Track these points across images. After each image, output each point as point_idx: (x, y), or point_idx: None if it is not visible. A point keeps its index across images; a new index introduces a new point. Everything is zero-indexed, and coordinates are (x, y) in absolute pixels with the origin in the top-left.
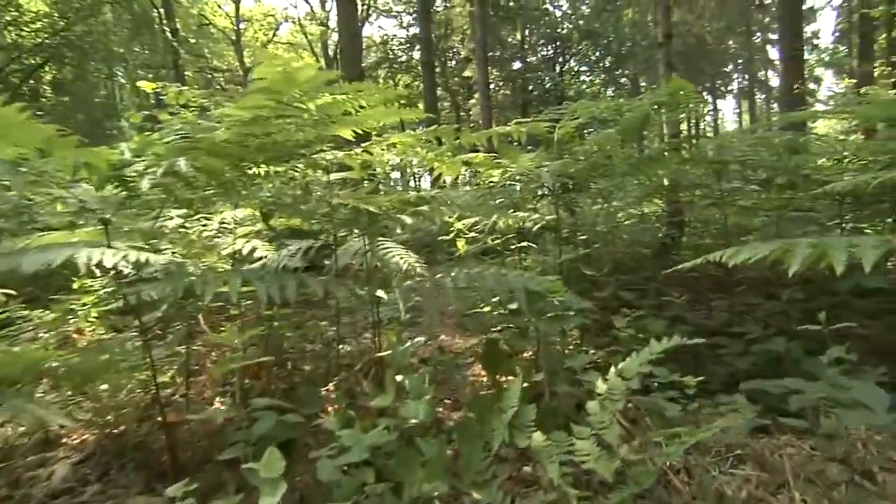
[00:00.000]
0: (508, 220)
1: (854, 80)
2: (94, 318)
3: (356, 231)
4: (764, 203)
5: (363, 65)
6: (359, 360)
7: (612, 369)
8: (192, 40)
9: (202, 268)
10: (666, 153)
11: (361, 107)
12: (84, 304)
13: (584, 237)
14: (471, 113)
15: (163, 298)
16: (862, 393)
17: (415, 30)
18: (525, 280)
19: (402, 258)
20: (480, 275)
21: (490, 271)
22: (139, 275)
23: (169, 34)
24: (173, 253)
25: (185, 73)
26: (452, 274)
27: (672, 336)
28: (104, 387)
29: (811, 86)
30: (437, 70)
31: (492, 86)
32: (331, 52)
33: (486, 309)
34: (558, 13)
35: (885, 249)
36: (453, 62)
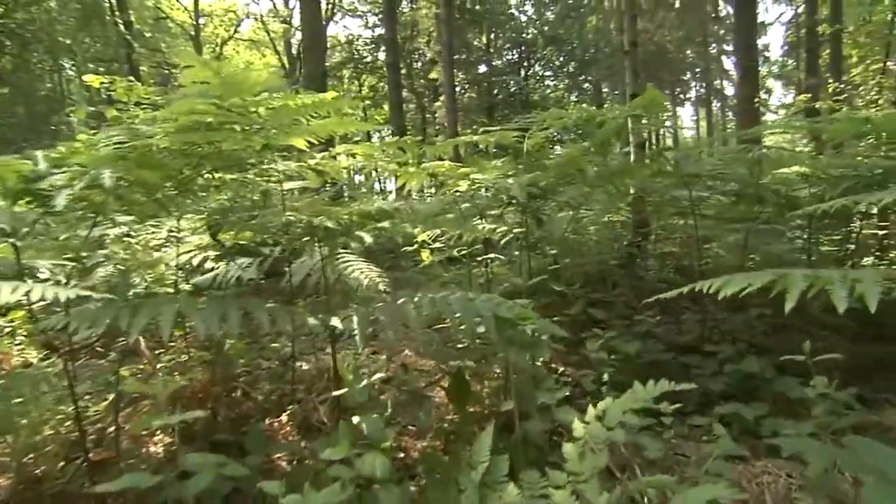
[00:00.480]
0: (475, 233)
1: (809, 94)
2: (24, 336)
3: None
4: (727, 211)
5: (327, 64)
6: (318, 379)
7: (591, 411)
8: (148, 34)
9: (144, 283)
10: (637, 164)
11: (315, 115)
12: (12, 321)
13: (553, 251)
14: (436, 115)
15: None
16: (873, 455)
17: (380, 30)
18: (494, 305)
19: (363, 272)
20: (445, 300)
21: (456, 295)
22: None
23: (122, 26)
24: (115, 265)
25: (140, 67)
26: (416, 299)
27: (645, 354)
28: (24, 422)
29: (763, 95)
30: (403, 71)
31: (457, 88)
32: (294, 51)
33: (458, 328)
34: (523, 18)
35: (888, 286)
36: (419, 64)
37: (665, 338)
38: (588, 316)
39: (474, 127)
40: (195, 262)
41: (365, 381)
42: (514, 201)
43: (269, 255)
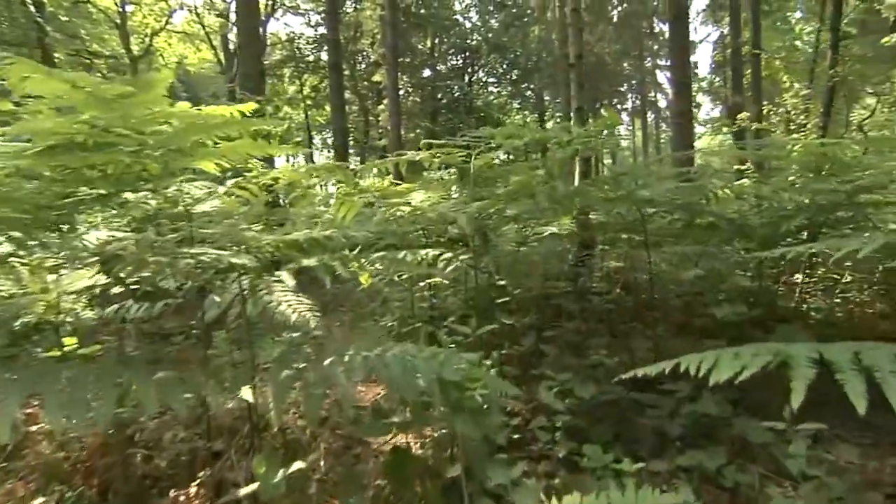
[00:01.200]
0: (417, 258)
1: (745, 115)
2: None
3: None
4: (680, 235)
5: (267, 62)
6: (241, 424)
7: None
8: (64, 18)
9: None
10: (589, 187)
11: (225, 137)
12: None
13: (502, 281)
14: (380, 118)
15: None
16: None
17: (323, 30)
18: (438, 365)
19: (290, 306)
20: (382, 359)
21: (394, 352)
22: None
23: (32, 7)
24: None
25: (55, 54)
26: (346, 358)
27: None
28: None
29: (693, 110)
30: (346, 73)
31: (402, 92)
32: (231, 47)
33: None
34: (468, 24)
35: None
36: (363, 66)
37: (617, 370)
38: (539, 350)
39: (418, 131)
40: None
41: (281, 474)
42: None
43: (180, 292)
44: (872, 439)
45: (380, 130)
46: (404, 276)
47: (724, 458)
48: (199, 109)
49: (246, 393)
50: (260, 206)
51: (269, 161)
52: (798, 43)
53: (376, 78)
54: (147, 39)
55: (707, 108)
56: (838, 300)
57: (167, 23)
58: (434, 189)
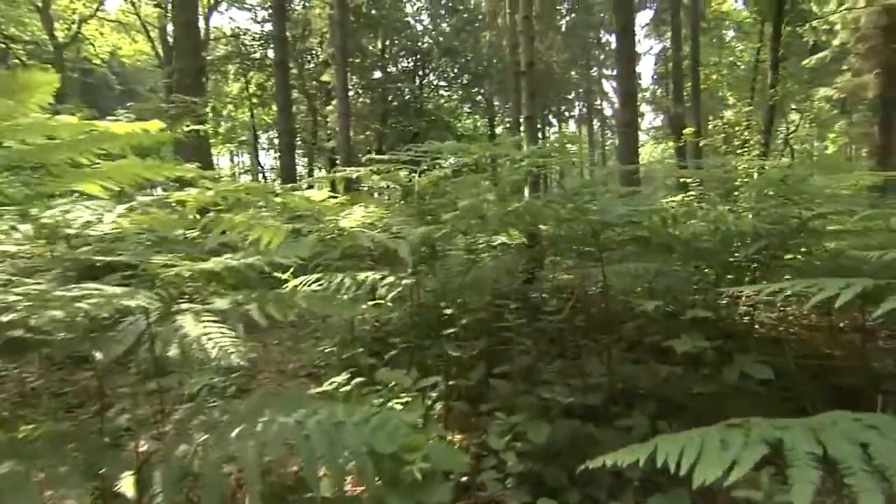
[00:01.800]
0: (356, 279)
1: (692, 129)
2: None
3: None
4: (622, 242)
5: (210, 57)
6: None
7: None
8: None
9: None
10: (542, 207)
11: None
12: None
13: (448, 310)
14: (328, 119)
15: None
16: None
17: (270, 26)
18: (370, 433)
19: (211, 338)
20: (302, 427)
21: (318, 417)
22: None
23: None
24: None
25: None
26: (258, 427)
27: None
28: None
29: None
30: (294, 71)
31: (351, 92)
32: (171, 40)
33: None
34: (419, 27)
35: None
36: (312, 64)
37: (569, 398)
38: (488, 384)
39: (367, 133)
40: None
41: None
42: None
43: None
44: None
45: (328, 132)
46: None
47: (688, 501)
48: (92, 123)
49: (127, 486)
50: (173, 227)
51: (207, 164)
52: (732, 59)
53: (325, 78)
54: (74, 26)
55: (650, 118)
56: (780, 312)
57: (98, 9)
58: (377, 204)
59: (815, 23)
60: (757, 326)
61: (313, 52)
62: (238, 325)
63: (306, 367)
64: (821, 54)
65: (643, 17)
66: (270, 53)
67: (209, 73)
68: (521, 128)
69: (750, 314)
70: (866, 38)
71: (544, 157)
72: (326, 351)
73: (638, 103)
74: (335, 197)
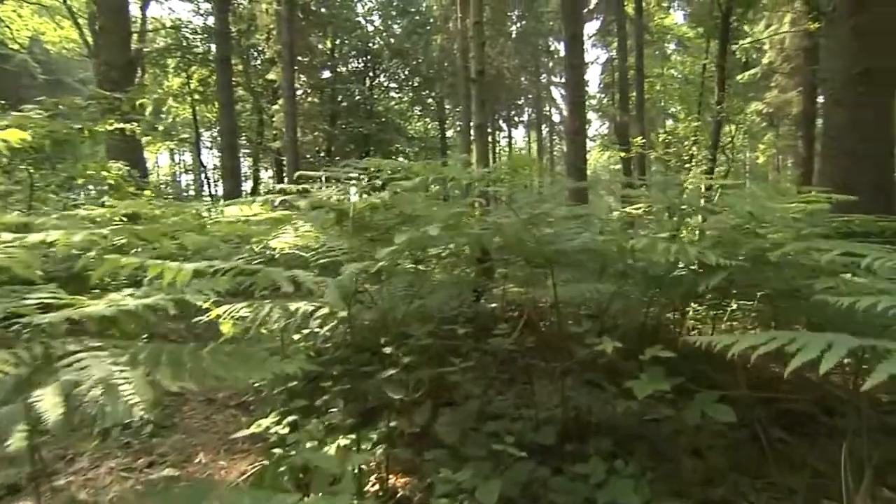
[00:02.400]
0: (286, 309)
1: (641, 141)
2: None
3: None
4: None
5: (147, 49)
6: None
7: None
8: None
9: None
10: (493, 237)
11: None
12: None
13: (388, 348)
14: (274, 119)
15: None
16: None
17: (213, 20)
18: None
19: (110, 388)
20: None
21: None
22: None
23: None
24: None
25: None
26: None
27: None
28: None
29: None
30: (239, 68)
31: (299, 92)
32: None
33: None
34: (370, 28)
35: None
36: (258, 61)
37: (521, 435)
38: (435, 420)
39: (315, 134)
40: None
41: None
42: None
43: None
44: None
45: (274, 132)
46: (274, 325)
47: None
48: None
49: None
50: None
51: (140, 165)
52: (680, 73)
53: (271, 76)
54: None
55: (597, 125)
56: (725, 328)
57: None
58: (316, 221)
59: (746, 41)
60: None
61: (259, 48)
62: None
63: (237, 397)
64: (752, 71)
65: (591, 27)
66: (214, 48)
67: (147, 67)
68: (472, 135)
69: (694, 328)
70: (791, 58)
71: (495, 181)
72: (257, 384)
73: (585, 111)
74: (267, 213)
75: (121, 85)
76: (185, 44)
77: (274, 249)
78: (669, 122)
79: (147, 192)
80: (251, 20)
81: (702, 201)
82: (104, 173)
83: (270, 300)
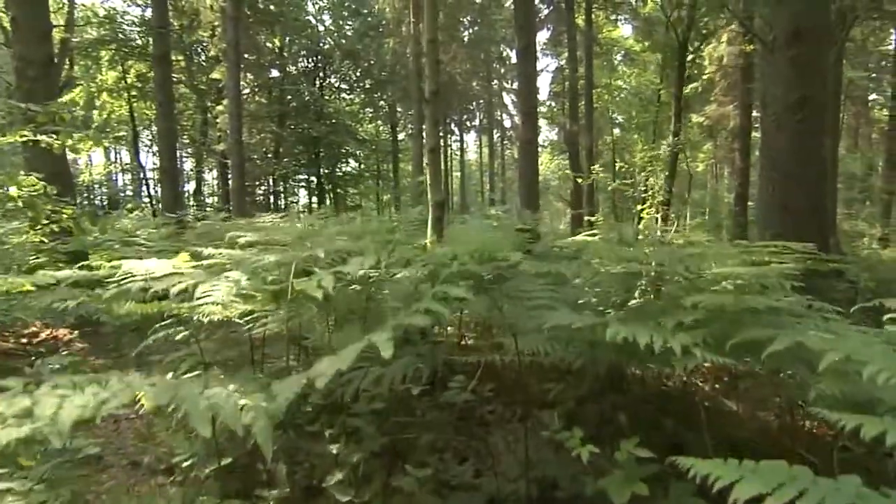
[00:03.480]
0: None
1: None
2: None
3: None
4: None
5: (77, 40)
6: None
7: None
8: None
9: None
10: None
11: None
12: None
13: (336, 445)
14: (218, 121)
15: None
16: None
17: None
18: None
19: None
20: None
21: None
22: None
23: None
24: None
25: None
26: None
27: None
28: None
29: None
30: (181, 64)
31: (246, 91)
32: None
33: None
34: (321, 28)
35: None
36: (202, 57)
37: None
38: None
39: (263, 136)
40: None
41: None
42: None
43: None
44: None
45: (218, 134)
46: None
47: None
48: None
49: None
50: None
51: (62, 178)
52: (621, 82)
53: (215, 75)
54: None
55: (546, 131)
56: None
57: None
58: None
59: (688, 56)
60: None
61: (204, 44)
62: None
63: (165, 459)
64: (693, 85)
65: (542, 36)
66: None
67: (77, 59)
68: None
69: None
70: (728, 74)
71: (442, 267)
72: (185, 458)
73: (538, 121)
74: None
75: (39, 84)
76: (120, 35)
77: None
78: (617, 132)
79: (68, 212)
80: (194, 15)
81: (681, 266)
82: (13, 190)
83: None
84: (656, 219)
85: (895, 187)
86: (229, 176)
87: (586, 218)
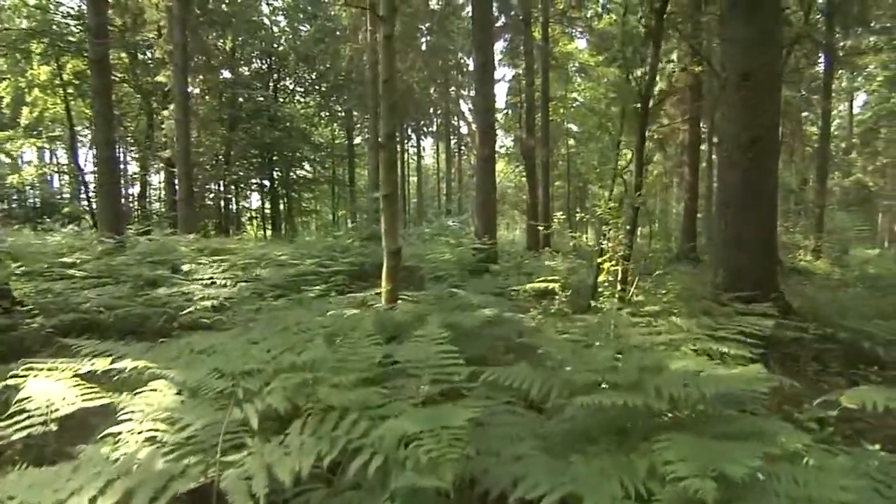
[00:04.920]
0: None
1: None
2: None
3: None
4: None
5: (4, 29)
6: None
7: None
8: None
9: None
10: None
11: None
12: None
13: None
14: (163, 126)
15: None
16: None
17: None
18: None
19: None
20: None
21: None
22: None
23: None
24: None
25: None
26: None
27: None
28: None
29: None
30: (125, 61)
31: (196, 91)
32: None
33: None
34: (276, 29)
35: None
36: (147, 56)
37: None
38: None
39: (213, 139)
40: None
41: None
42: None
43: None
44: None
45: (163, 139)
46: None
47: None
48: None
49: None
50: None
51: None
52: (575, 95)
53: (161, 79)
54: None
55: (502, 138)
56: None
57: None
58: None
59: (638, 71)
60: None
61: (149, 43)
62: None
63: None
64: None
65: (499, 45)
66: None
67: (2, 51)
68: (381, 204)
69: None
70: (678, 90)
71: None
72: None
73: (496, 138)
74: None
75: None
76: (54, 27)
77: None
78: (572, 142)
79: None
80: (137, 13)
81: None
82: None
83: None
84: (616, 271)
85: (825, 201)
86: (177, 184)
87: (542, 232)
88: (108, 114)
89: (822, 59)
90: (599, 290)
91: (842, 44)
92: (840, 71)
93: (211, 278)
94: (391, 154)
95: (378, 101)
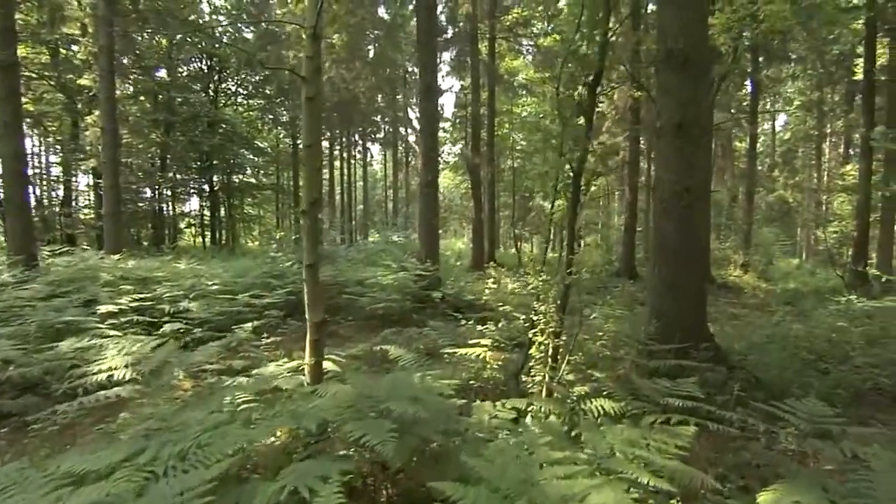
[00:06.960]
0: None
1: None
2: None
3: None
4: None
5: None
6: None
7: None
8: None
9: None
10: None
11: None
12: None
13: None
14: (87, 133)
15: None
16: None
17: None
18: None
19: None
20: None
21: None
22: None
23: None
24: None
25: None
26: None
27: None
28: None
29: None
30: (45, 59)
31: (128, 93)
32: None
33: None
34: (219, 29)
35: None
36: (71, 53)
37: None
38: None
39: (147, 142)
40: None
41: None
42: None
43: None
44: None
45: (88, 148)
46: None
47: None
48: None
49: None
50: None
51: None
52: (521, 111)
53: (84, 82)
54: None
55: (447, 147)
56: None
57: None
58: None
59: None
60: None
61: (72, 40)
62: None
63: None
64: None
65: (446, 55)
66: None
67: None
68: (305, 275)
69: None
70: (619, 109)
71: None
72: None
73: (439, 163)
74: None
75: None
76: None
77: None
78: (518, 155)
79: None
80: (55, 10)
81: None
82: None
83: None
84: (547, 346)
85: (752, 218)
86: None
87: (488, 268)
88: (17, 123)
89: (748, 83)
90: (530, 364)
91: (765, 73)
92: (763, 95)
93: (115, 367)
94: (314, 226)
95: (322, 109)
